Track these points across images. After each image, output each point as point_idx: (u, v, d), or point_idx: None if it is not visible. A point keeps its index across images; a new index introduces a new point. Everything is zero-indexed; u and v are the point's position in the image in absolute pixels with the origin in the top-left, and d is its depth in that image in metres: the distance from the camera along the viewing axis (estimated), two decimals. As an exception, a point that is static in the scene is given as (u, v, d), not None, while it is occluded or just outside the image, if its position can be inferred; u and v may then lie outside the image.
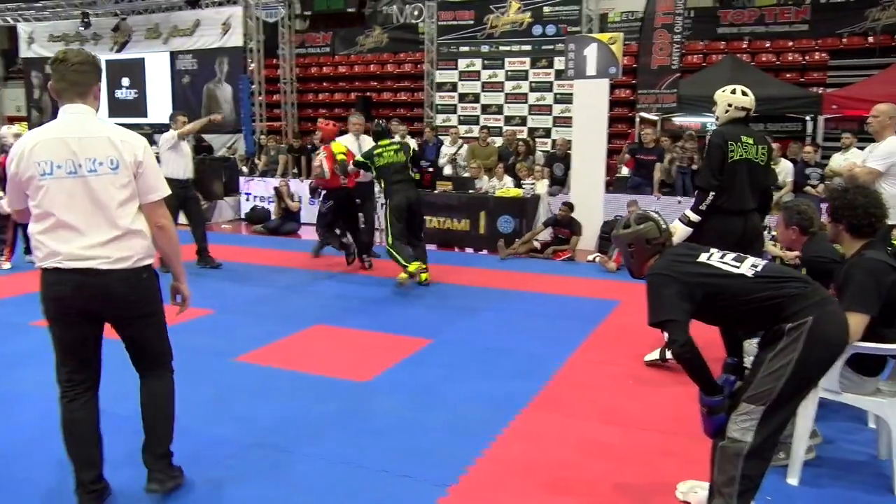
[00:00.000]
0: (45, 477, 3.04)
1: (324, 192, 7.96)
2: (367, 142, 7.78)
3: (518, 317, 5.86)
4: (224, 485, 2.99)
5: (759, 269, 2.57)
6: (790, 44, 12.50)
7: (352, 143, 7.73)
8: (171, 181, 7.68)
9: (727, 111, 4.47)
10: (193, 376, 4.31)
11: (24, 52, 18.14)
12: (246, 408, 3.84)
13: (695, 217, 4.45)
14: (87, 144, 2.62)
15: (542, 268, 7.97)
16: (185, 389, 4.07)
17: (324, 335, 5.29)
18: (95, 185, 2.61)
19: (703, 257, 2.66)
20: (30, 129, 14.42)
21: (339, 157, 7.27)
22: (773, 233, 6.37)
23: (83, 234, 2.61)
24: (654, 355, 4.64)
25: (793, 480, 3.04)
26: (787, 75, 12.17)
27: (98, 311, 2.71)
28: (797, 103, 10.83)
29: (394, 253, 6.77)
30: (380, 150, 7.02)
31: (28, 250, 7.68)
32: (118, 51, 16.45)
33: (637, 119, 12.07)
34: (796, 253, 3.97)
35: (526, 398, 3.99)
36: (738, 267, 2.58)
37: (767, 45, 12.67)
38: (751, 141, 4.41)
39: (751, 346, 3.00)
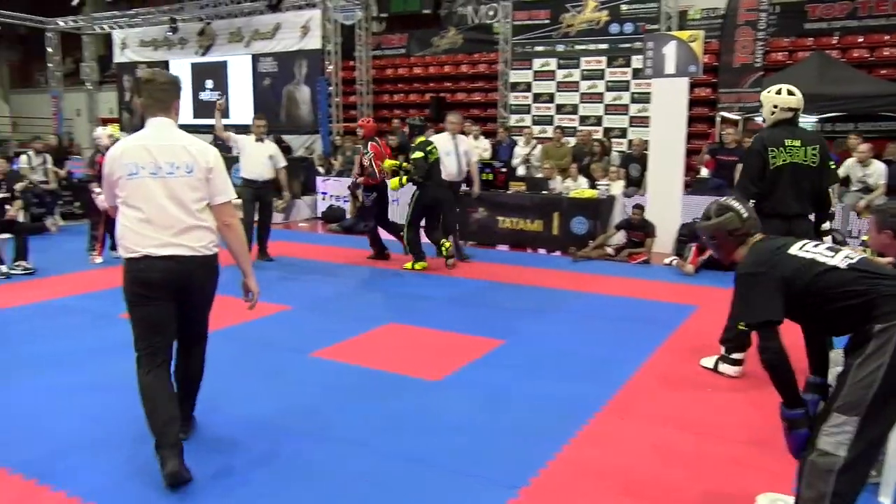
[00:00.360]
0: (133, 448, 3.18)
1: (362, 186, 8.37)
2: (463, 141, 8.44)
3: (592, 320, 5.78)
4: (297, 477, 3.06)
5: (853, 261, 2.43)
6: (886, 38, 11.85)
7: (447, 142, 8.12)
8: (245, 181, 8.00)
9: (773, 113, 4.33)
10: (270, 370, 4.46)
11: (118, 57, 19.09)
12: (320, 402, 3.92)
13: None
14: (165, 150, 3.05)
15: (617, 270, 7.84)
16: (262, 382, 4.22)
17: (396, 333, 5.35)
18: (174, 184, 3.03)
19: (794, 249, 2.54)
20: (121, 129, 15.18)
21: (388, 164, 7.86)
22: (864, 237, 6.08)
23: (165, 226, 3.01)
24: (710, 362, 4.52)
25: (885, 500, 2.88)
26: (883, 71, 11.54)
27: (180, 293, 3.08)
28: (894, 100, 10.26)
29: (412, 245, 7.62)
30: (429, 146, 7.61)
31: (114, 246, 8.06)
32: (202, 54, 17.09)
33: (718, 119, 11.71)
34: (890, 259, 3.77)
35: (599, 402, 3.93)
36: (831, 257, 2.45)
37: (860, 39, 12.04)
38: (797, 143, 4.25)
39: (838, 355, 2.86)
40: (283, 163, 8.16)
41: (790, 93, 4.30)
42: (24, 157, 10.45)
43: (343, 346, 4.97)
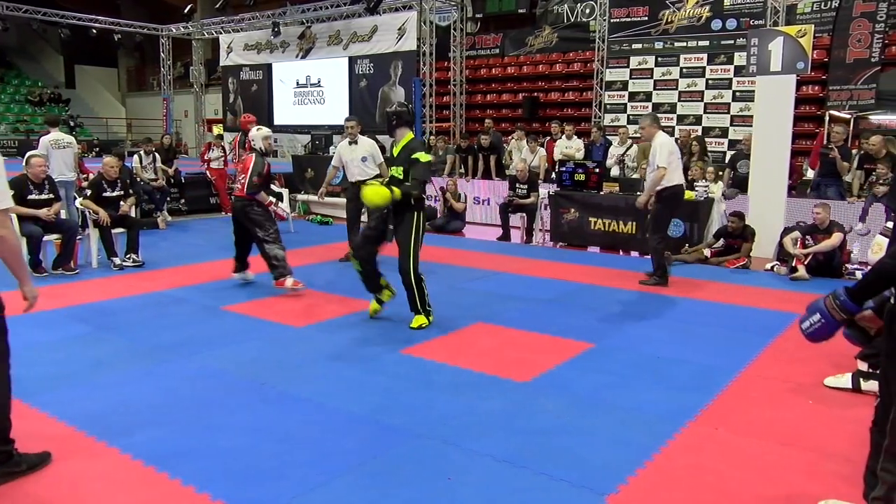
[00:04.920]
0: (247, 437, 3.34)
1: None
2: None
3: (686, 325, 5.61)
4: (393, 473, 3.12)
5: None
6: None
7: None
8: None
9: None
10: (362, 366, 4.56)
11: (223, 60, 19.99)
12: (414, 399, 3.98)
13: None
14: None
15: (713, 275, 7.57)
16: (355, 378, 4.32)
17: (485, 333, 5.37)
18: None
19: None
20: (225, 129, 15.82)
21: None
22: None
23: None
24: (843, 381, 4.16)
25: None
26: None
27: None
28: None
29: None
30: None
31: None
32: (303, 57, 17.65)
33: (826, 117, 11.12)
34: None
35: (693, 411, 3.81)
36: None
37: None
38: None
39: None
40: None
41: None
42: (136, 157, 11.12)
43: (433, 344, 5.03)
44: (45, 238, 7.16)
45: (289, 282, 6.42)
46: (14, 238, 3.10)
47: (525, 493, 2.96)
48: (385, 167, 7.90)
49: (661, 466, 3.19)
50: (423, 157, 5.37)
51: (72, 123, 25.82)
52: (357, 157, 7.84)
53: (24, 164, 7.39)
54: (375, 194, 5.14)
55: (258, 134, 6.76)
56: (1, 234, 2.96)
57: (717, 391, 4.13)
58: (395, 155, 5.54)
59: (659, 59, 13.76)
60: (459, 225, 11.06)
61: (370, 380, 4.30)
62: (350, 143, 7.85)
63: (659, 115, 13.52)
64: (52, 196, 7.31)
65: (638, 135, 12.79)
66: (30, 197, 7.11)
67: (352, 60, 16.46)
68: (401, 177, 5.37)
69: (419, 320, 5.46)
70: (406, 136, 5.50)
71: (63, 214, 7.64)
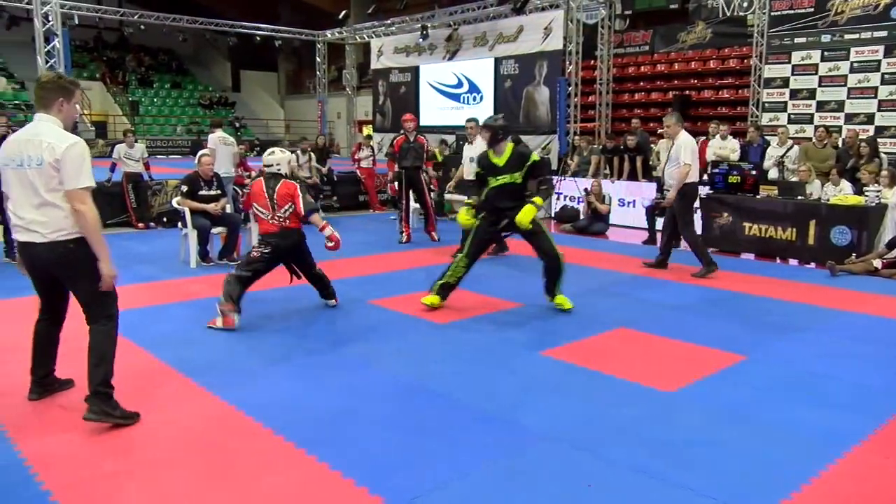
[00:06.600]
0: (394, 422, 3.47)
1: None
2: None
3: (850, 341, 5.18)
4: (526, 473, 3.11)
5: None
6: None
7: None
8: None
9: None
10: (504, 365, 4.58)
11: (374, 64, 20.75)
12: (549, 401, 3.95)
13: None
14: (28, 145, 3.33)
15: (884, 288, 6.93)
16: (494, 376, 4.35)
17: (628, 339, 5.22)
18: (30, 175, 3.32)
19: None
20: (374, 130, 16.49)
21: None
22: None
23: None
24: None
25: None
26: None
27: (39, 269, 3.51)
28: None
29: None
30: None
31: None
32: (449, 58, 17.97)
33: None
34: None
35: (857, 436, 3.51)
36: None
37: None
38: None
39: None
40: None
41: None
42: (293, 156, 11.79)
43: (574, 347, 4.96)
44: (213, 231, 7.77)
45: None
46: (93, 214, 3.34)
47: (667, 507, 2.85)
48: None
49: (820, 492, 2.96)
50: (536, 156, 5.94)
51: (237, 125, 27.81)
52: (466, 156, 8.69)
53: (196, 162, 8.06)
54: (527, 215, 5.69)
55: (283, 158, 5.88)
56: (80, 210, 3.29)
57: (888, 416, 3.77)
58: (502, 164, 5.87)
59: (825, 53, 12.76)
60: (603, 227, 10.84)
61: (507, 379, 4.31)
62: (470, 143, 8.75)
63: (824, 114, 12.62)
64: (219, 192, 7.92)
65: (799, 135, 12.00)
66: (200, 192, 7.75)
67: (497, 61, 16.54)
68: (519, 181, 5.84)
69: (567, 302, 5.94)
70: (508, 145, 5.95)
71: (228, 209, 8.24)
